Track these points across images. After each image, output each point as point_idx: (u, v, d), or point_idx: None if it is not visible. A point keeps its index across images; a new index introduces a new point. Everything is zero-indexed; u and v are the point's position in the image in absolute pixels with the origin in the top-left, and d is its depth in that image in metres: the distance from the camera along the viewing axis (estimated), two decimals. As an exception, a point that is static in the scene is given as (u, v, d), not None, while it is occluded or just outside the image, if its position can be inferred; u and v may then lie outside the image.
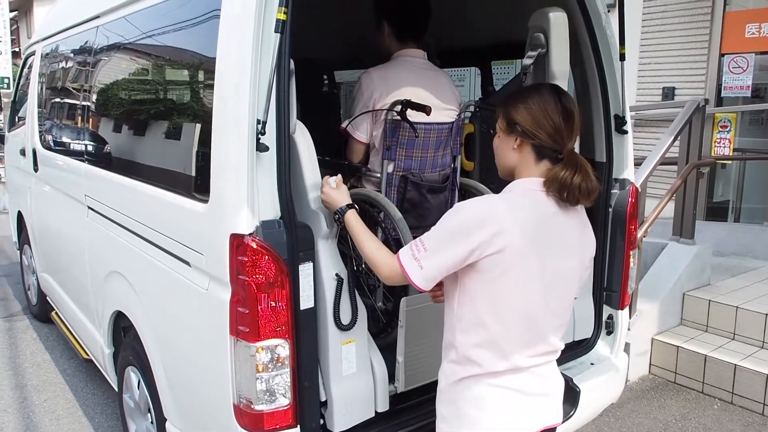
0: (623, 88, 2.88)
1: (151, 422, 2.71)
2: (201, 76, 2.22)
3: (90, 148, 3.35)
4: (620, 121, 2.89)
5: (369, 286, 2.84)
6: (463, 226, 1.60)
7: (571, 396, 2.77)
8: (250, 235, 1.88)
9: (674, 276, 4.27)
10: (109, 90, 3.17)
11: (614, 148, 2.89)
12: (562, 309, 1.76)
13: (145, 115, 2.77)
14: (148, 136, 2.71)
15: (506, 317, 1.64)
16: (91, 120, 3.35)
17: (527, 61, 2.77)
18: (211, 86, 2.00)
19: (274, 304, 1.91)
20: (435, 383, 2.40)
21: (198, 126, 2.21)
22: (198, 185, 2.14)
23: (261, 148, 1.86)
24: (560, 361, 2.89)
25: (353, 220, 1.90)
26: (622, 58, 2.82)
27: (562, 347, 1.82)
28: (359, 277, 2.71)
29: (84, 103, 3.45)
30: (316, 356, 2.11)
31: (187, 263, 2.19)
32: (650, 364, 4.25)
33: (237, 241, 1.89)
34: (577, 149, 2.86)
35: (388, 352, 2.37)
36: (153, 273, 2.47)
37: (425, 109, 2.54)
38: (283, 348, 1.94)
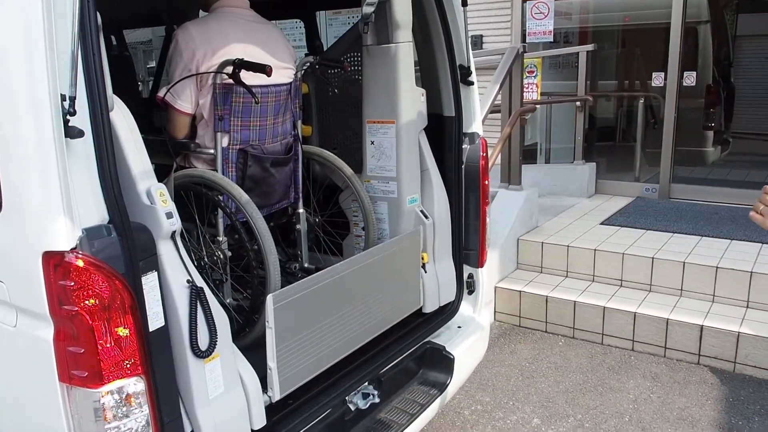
0: (467, 36, 2.72)
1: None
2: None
3: None
4: (465, 71, 2.75)
5: (215, 281, 2.44)
6: None
7: (446, 365, 2.67)
8: (72, 250, 1.41)
9: (509, 223, 4.35)
10: None
11: (462, 101, 2.76)
12: None
13: None
14: None
15: None
16: None
17: (368, 9, 2.48)
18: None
19: (117, 335, 1.47)
20: (310, 383, 2.12)
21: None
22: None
23: (72, 133, 1.39)
24: (430, 330, 2.75)
25: None
26: (464, 3, 2.66)
27: None
28: (202, 273, 2.30)
29: None
30: (175, 383, 1.71)
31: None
32: (495, 311, 4.32)
33: (54, 261, 1.41)
34: (424, 105, 2.71)
35: (251, 354, 2.02)
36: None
37: (265, 69, 2.15)
38: (138, 384, 1.52)
